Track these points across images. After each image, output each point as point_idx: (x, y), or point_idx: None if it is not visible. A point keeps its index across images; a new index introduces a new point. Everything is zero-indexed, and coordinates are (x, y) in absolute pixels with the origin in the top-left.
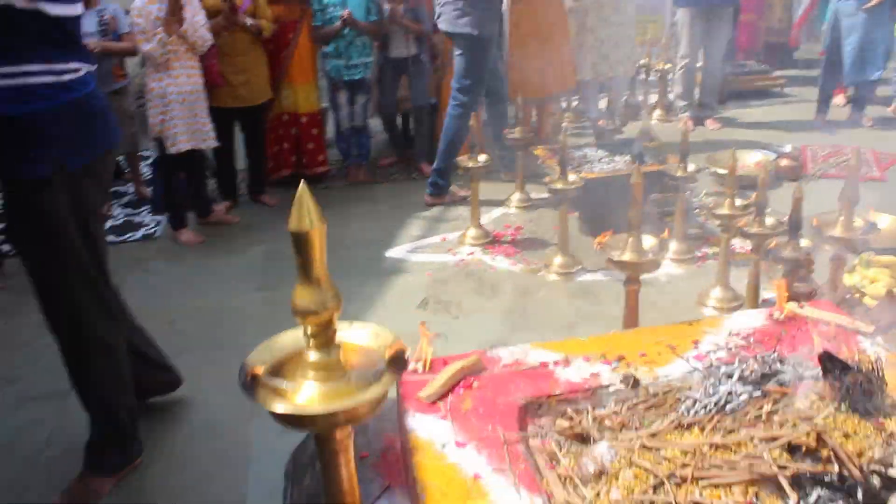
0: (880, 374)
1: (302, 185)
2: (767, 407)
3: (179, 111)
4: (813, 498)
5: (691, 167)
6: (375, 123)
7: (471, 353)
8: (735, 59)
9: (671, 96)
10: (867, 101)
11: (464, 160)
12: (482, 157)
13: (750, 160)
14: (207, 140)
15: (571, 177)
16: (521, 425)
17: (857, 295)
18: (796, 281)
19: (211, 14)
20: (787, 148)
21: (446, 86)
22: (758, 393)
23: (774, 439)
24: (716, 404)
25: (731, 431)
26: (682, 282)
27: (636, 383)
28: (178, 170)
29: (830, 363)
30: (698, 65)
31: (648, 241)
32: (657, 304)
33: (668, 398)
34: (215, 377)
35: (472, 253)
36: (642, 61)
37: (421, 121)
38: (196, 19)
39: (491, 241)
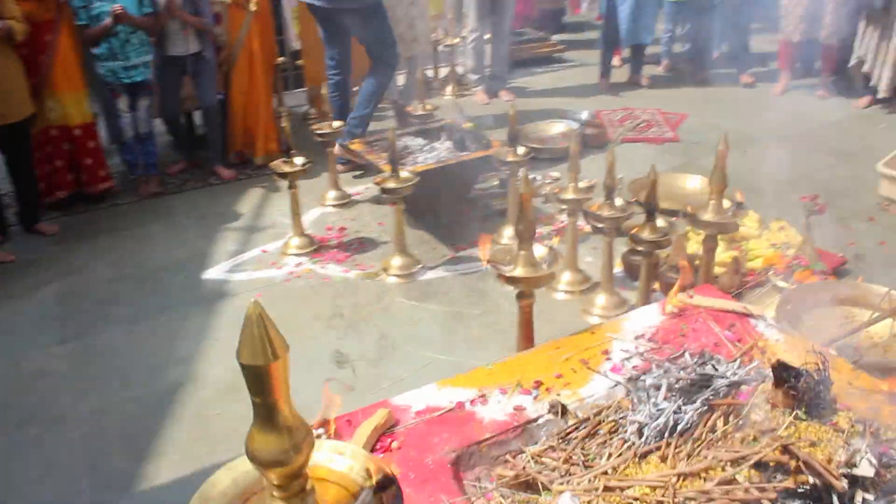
0: (827, 374)
1: (253, 304)
2: (720, 424)
3: None
4: None
5: (520, 150)
6: (156, 126)
7: (376, 406)
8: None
9: (461, 70)
10: (642, 62)
11: (278, 164)
12: (299, 160)
13: (555, 131)
14: None
15: (404, 173)
16: (458, 484)
17: (698, 262)
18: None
19: None
20: (584, 115)
21: (236, 79)
22: (704, 408)
23: (743, 459)
24: (665, 425)
25: (690, 455)
26: None
27: (564, 411)
28: None
29: (785, 372)
30: (486, 36)
31: (539, 250)
32: (506, 293)
33: (602, 422)
34: (35, 464)
35: (299, 264)
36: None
37: (211, 120)
38: None
39: (317, 248)
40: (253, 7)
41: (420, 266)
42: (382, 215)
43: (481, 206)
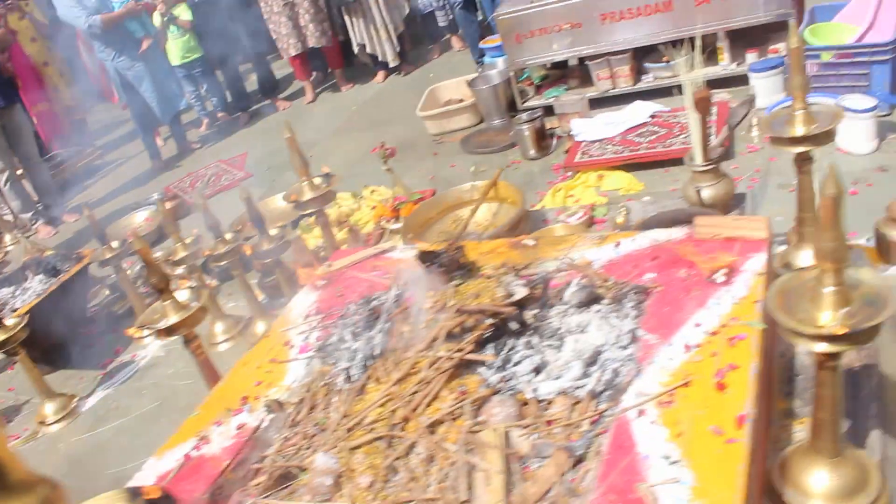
0: (460, 248)
1: None
2: (406, 331)
3: None
4: (506, 346)
5: (115, 244)
6: None
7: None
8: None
9: (8, 216)
10: (183, 128)
11: None
12: None
13: (138, 219)
14: None
15: (9, 321)
16: None
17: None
18: None
19: None
20: (155, 196)
21: None
22: (386, 325)
23: (435, 339)
24: (364, 357)
25: (398, 363)
26: None
27: (280, 404)
28: None
29: (427, 256)
30: (18, 172)
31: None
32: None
33: (316, 393)
34: None
35: None
36: None
37: None
38: None
39: None
40: None
41: (78, 398)
42: (5, 380)
43: (106, 317)
